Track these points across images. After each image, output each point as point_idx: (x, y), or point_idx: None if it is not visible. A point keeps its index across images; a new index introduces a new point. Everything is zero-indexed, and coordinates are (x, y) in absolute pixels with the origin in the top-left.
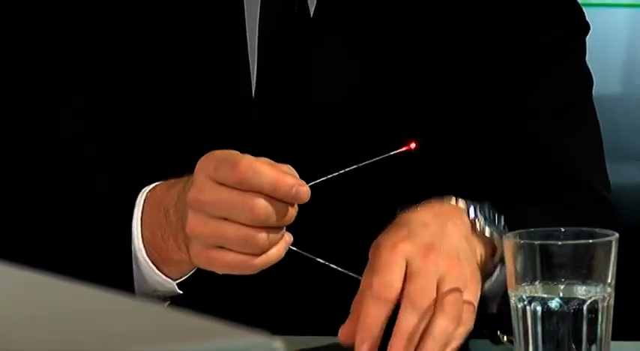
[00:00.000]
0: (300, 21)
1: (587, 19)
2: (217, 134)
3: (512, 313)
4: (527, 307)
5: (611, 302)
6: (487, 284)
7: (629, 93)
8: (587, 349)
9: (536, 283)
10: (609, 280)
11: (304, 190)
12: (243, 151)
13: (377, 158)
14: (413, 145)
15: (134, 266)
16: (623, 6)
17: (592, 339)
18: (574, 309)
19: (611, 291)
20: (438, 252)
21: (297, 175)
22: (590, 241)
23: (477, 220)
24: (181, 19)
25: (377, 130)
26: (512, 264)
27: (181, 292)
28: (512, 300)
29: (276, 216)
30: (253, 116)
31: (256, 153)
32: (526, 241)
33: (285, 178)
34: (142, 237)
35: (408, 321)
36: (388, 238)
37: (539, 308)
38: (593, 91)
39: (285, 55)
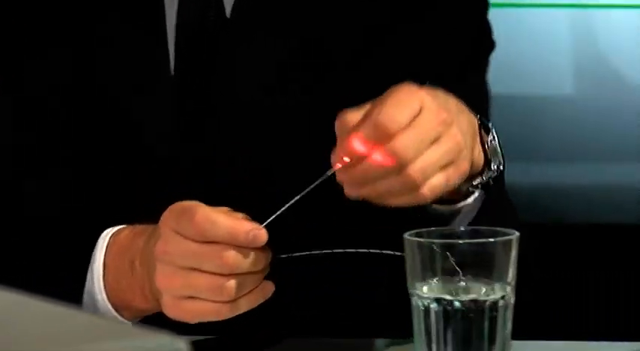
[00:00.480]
0: (217, 23)
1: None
2: (138, 141)
3: (413, 313)
4: (428, 307)
5: (512, 301)
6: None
7: (581, 94)
8: (488, 348)
9: (437, 282)
10: (509, 280)
11: (261, 234)
12: (162, 152)
13: (319, 180)
14: (347, 160)
15: (89, 302)
16: (566, 6)
17: (493, 338)
18: (475, 308)
19: (511, 290)
20: (450, 117)
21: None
22: (491, 239)
23: (491, 133)
24: (97, 31)
25: (295, 128)
26: (412, 263)
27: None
28: (413, 299)
29: (246, 262)
30: (172, 115)
31: (177, 154)
32: (427, 239)
33: (240, 225)
34: (105, 281)
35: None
36: (412, 84)
37: (439, 307)
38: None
39: (203, 57)
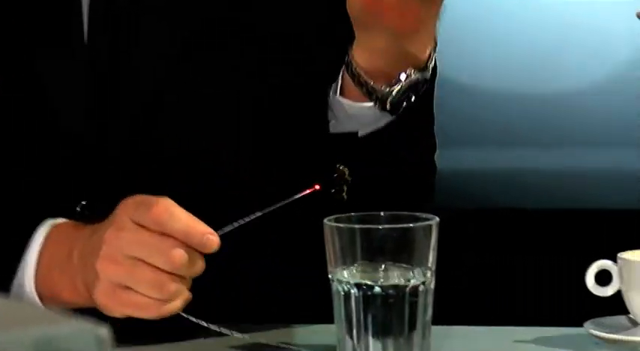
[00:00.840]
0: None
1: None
2: (50, 111)
3: (334, 298)
4: (348, 292)
5: (432, 286)
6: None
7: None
8: (409, 333)
9: (357, 267)
10: (430, 264)
11: (214, 240)
12: (77, 125)
13: (282, 203)
14: (317, 187)
15: (17, 293)
16: None
17: (413, 323)
18: (395, 294)
19: (431, 275)
20: None
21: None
22: (411, 225)
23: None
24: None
25: (196, 113)
26: (332, 248)
27: None
28: (334, 284)
29: (191, 265)
30: (86, 84)
31: (90, 128)
32: (346, 224)
33: (198, 225)
34: (36, 270)
35: None
36: None
37: (360, 293)
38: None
39: (113, 27)
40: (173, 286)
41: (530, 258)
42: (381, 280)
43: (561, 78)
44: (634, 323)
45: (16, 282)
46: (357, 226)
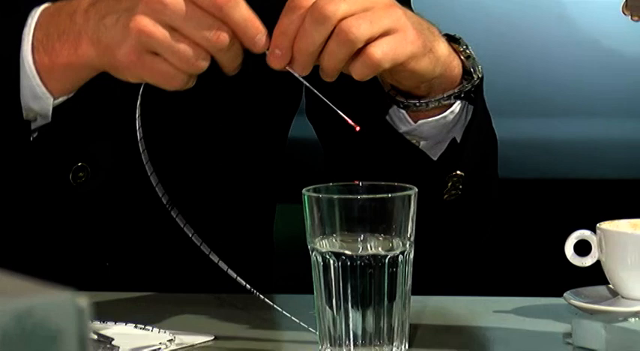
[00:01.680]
0: None
1: None
2: None
3: (313, 268)
4: (327, 262)
5: (411, 256)
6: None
7: None
8: (388, 303)
9: (336, 237)
10: (409, 235)
11: (264, 43)
12: None
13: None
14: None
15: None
16: None
17: (393, 294)
18: (374, 264)
19: (410, 245)
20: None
21: None
22: (389, 195)
23: (462, 44)
24: None
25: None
26: (311, 218)
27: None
28: (313, 254)
29: (230, 54)
30: None
31: None
32: (324, 195)
33: (258, 22)
34: (33, 41)
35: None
36: None
37: (339, 263)
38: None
39: None
40: (204, 63)
41: (509, 228)
42: (360, 250)
43: (546, 51)
44: (613, 293)
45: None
46: (335, 196)
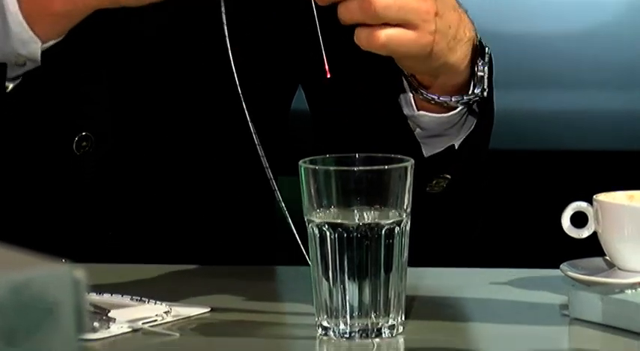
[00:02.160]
0: None
1: None
2: None
3: (309, 240)
4: (324, 234)
5: (407, 228)
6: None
7: None
8: (385, 274)
9: (333, 209)
10: (405, 206)
11: None
12: None
13: None
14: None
15: (1, 18)
16: None
17: (389, 265)
18: (370, 235)
19: (407, 217)
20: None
21: None
22: (385, 166)
23: (484, 61)
24: None
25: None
26: (307, 190)
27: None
28: (309, 226)
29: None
30: None
31: None
32: (321, 166)
33: None
34: None
35: None
36: None
37: (335, 235)
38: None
39: None
40: None
41: (506, 199)
42: (357, 221)
43: (538, 20)
44: (610, 265)
45: None
46: (332, 168)
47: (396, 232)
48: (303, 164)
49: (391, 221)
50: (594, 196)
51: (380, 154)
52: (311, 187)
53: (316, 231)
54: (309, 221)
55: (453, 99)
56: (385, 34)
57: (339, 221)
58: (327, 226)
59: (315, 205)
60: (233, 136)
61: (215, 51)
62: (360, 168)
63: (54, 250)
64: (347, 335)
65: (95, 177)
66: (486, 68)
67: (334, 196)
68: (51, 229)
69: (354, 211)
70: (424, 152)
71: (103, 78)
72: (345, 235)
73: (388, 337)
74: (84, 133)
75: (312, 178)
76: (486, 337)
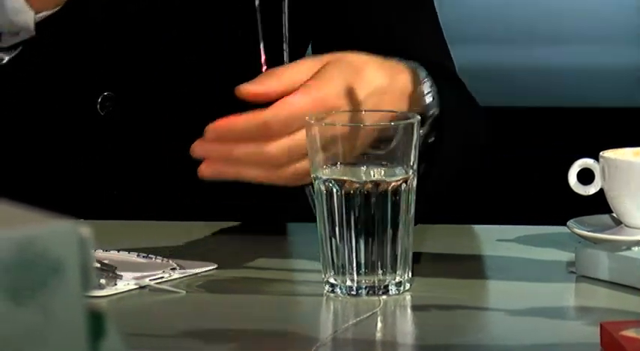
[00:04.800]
0: None
1: None
2: None
3: (316, 196)
4: (331, 190)
5: (414, 185)
6: None
7: None
8: (392, 231)
9: (339, 165)
10: (412, 163)
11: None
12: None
13: None
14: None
15: None
16: None
17: (396, 222)
18: (377, 192)
19: (413, 173)
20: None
21: None
22: (392, 123)
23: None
24: None
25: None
26: (314, 146)
27: (34, 32)
28: (316, 183)
29: None
30: None
31: None
32: (328, 123)
33: None
34: None
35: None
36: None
37: (342, 191)
38: None
39: None
40: None
41: (512, 156)
42: (363, 178)
43: None
44: (617, 222)
45: None
46: (339, 125)
47: (403, 188)
48: (309, 121)
49: (398, 178)
50: (601, 153)
51: (386, 110)
52: (317, 144)
53: (323, 188)
54: (316, 178)
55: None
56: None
57: (345, 178)
58: (333, 183)
59: (321, 161)
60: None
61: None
62: (367, 124)
63: (61, 208)
64: (354, 292)
65: (106, 135)
66: (431, 93)
67: (340, 152)
68: (56, 186)
69: (360, 167)
70: None
71: (122, 40)
72: (352, 191)
73: (395, 294)
74: (106, 93)
75: (318, 135)
76: (493, 294)
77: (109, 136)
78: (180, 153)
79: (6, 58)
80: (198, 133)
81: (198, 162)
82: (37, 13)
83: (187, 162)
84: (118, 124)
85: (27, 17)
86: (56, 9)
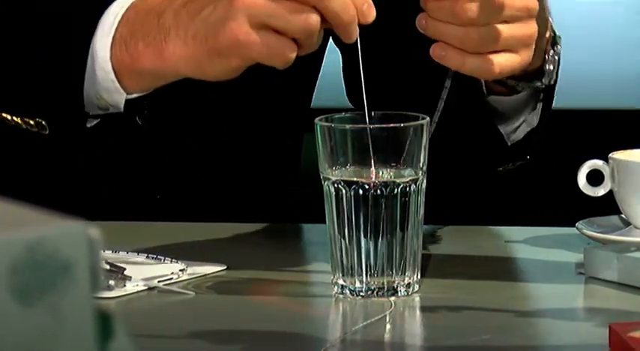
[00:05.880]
0: None
1: None
2: None
3: (325, 198)
4: (339, 191)
5: (424, 186)
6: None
7: None
8: (401, 232)
9: (349, 166)
10: (421, 164)
11: (373, 12)
12: None
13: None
14: None
15: (90, 63)
16: None
17: (404, 223)
18: (386, 193)
19: (422, 174)
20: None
21: None
22: (402, 124)
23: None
24: None
25: None
26: (323, 148)
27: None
28: (325, 184)
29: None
30: None
31: None
32: (337, 124)
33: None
34: (115, 35)
35: None
36: None
37: (351, 192)
38: None
39: None
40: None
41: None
42: (373, 179)
43: None
44: (626, 223)
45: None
46: (348, 126)
47: (412, 189)
48: (318, 122)
49: (407, 179)
50: (610, 154)
51: (395, 112)
52: (327, 145)
53: (332, 189)
54: (325, 179)
55: (520, 84)
56: (498, 64)
57: (354, 179)
58: (342, 184)
59: (331, 162)
60: (259, 97)
61: None
62: (376, 126)
63: (70, 208)
64: (363, 293)
65: (147, 139)
66: (556, 58)
67: (350, 153)
68: (74, 189)
69: (369, 168)
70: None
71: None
72: (361, 192)
73: (404, 296)
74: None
75: (327, 136)
76: (502, 296)
77: (142, 141)
78: (195, 152)
79: (93, 123)
80: (224, 137)
81: (213, 163)
82: (128, 94)
83: (203, 162)
84: (149, 130)
85: (119, 98)
86: (145, 93)
